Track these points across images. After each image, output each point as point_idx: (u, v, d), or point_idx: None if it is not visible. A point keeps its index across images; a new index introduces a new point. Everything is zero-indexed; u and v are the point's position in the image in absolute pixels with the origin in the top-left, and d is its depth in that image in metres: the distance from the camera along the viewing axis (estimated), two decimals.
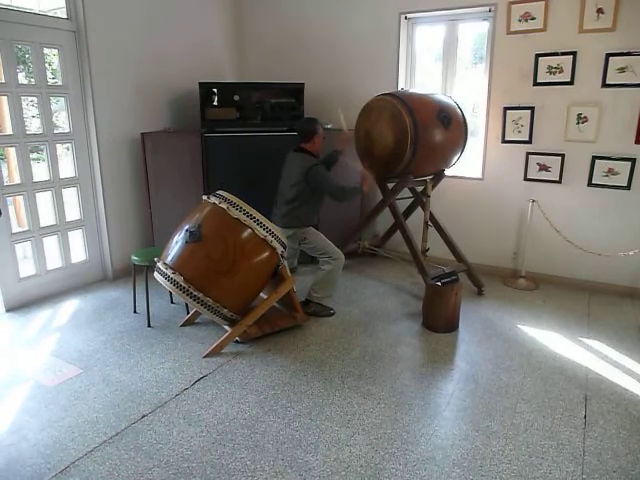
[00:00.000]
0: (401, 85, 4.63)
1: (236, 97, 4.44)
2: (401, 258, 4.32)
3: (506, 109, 4.15)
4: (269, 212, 3.58)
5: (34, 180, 3.79)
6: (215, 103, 4.45)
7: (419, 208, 4.18)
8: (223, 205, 2.99)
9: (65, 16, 3.83)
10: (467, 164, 4.45)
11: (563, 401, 2.60)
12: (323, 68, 4.93)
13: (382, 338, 3.27)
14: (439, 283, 3.33)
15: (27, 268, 3.89)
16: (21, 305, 3.76)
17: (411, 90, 4.16)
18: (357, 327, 3.43)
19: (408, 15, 4.49)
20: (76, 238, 4.17)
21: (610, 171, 3.88)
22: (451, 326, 3.37)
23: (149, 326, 3.41)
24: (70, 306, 3.79)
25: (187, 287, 2.85)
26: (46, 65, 3.79)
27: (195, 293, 2.86)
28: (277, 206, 3.60)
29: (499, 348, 3.15)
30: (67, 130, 3.98)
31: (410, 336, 3.31)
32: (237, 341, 3.15)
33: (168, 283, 2.91)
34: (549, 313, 3.67)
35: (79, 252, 4.20)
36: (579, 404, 2.58)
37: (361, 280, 4.35)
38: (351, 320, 3.54)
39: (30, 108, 5.05)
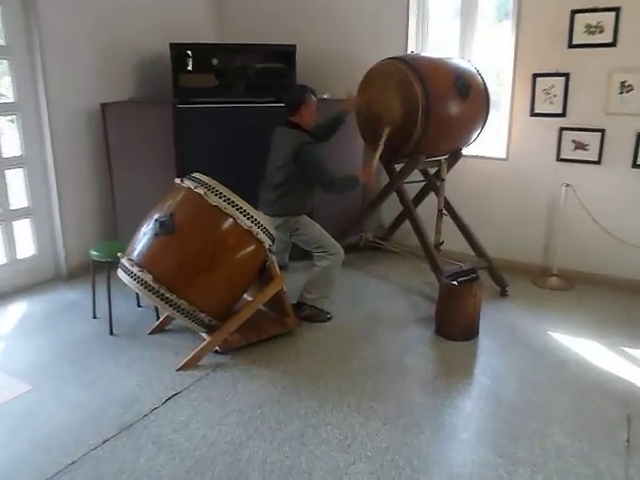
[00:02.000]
0: (411, 48, 4.61)
1: (215, 61, 4.39)
2: (410, 253, 4.32)
3: (535, 76, 4.14)
4: (255, 198, 3.56)
5: None
6: (190, 68, 4.40)
7: (432, 194, 4.19)
8: (200, 190, 2.97)
9: None
10: (489, 142, 4.45)
11: (602, 422, 2.61)
12: (318, 28, 4.89)
13: (388, 347, 3.27)
14: (455, 282, 3.33)
15: None
16: None
17: (423, 54, 4.16)
18: (358, 334, 3.43)
19: None
20: (23, 229, 4.14)
21: None
22: (469, 333, 3.38)
23: (112, 334, 3.40)
24: (16, 310, 3.76)
25: (157, 287, 2.84)
26: None
27: (167, 294, 2.85)
28: (264, 191, 3.59)
29: (526, 359, 3.15)
30: (11, 100, 3.94)
31: (421, 345, 3.31)
32: (217, 351, 3.14)
33: (134, 283, 2.90)
34: (585, 318, 3.68)
35: (27, 245, 4.17)
36: (621, 426, 2.58)
37: (363, 278, 4.34)
38: (351, 326, 3.54)
39: None
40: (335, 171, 3.41)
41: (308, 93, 3.49)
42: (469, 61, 4.05)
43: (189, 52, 4.40)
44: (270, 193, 3.51)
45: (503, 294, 4.04)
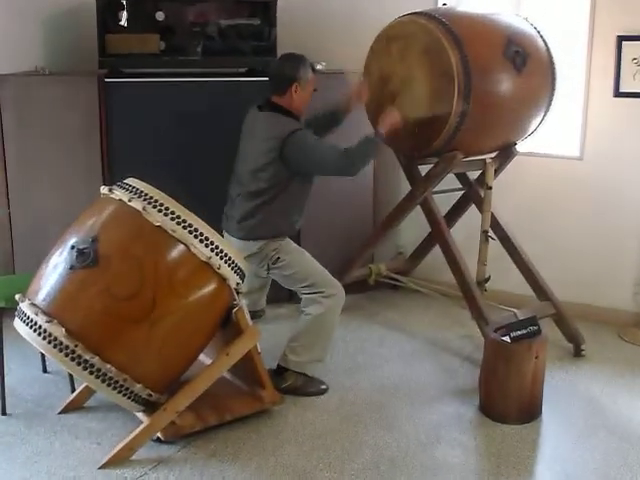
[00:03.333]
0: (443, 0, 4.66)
1: (160, 15, 4.42)
2: (442, 293, 4.32)
3: (622, 39, 4.19)
4: (217, 216, 3.57)
5: None
6: (123, 24, 4.45)
7: (473, 208, 4.20)
8: (136, 204, 2.96)
9: None
10: (555, 133, 4.47)
11: None
12: None
13: (409, 432, 3.25)
14: (508, 338, 3.32)
15: None
16: None
17: (460, 8, 4.20)
18: (366, 413, 3.41)
19: None
20: None
21: None
22: (529, 412, 3.37)
23: (4, 414, 3.36)
24: None
25: (71, 346, 2.81)
26: None
27: (85, 356, 2.82)
28: (231, 204, 3.61)
29: (612, 450, 3.14)
30: None
31: (458, 430, 3.29)
32: (159, 439, 3.11)
33: (39, 338, 2.87)
34: None
35: None
36: None
37: (374, 330, 4.33)
38: (356, 401, 3.52)
39: None
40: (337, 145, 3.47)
41: (305, 66, 3.53)
42: (526, 18, 4.09)
43: (123, 2, 4.44)
44: (240, 206, 3.52)
45: (577, 354, 4.04)
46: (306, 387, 3.55)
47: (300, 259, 3.54)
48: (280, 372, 3.54)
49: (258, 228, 3.48)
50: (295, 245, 3.59)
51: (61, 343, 2.82)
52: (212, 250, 3.00)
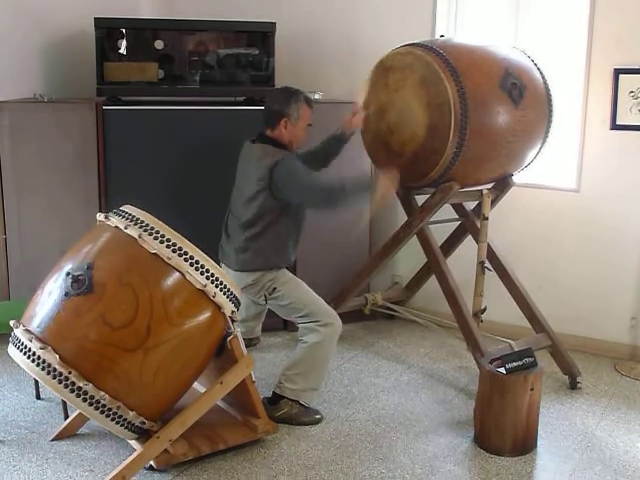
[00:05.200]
0: (441, 31, 4.70)
1: (159, 44, 4.47)
2: (438, 324, 4.31)
3: (618, 72, 4.22)
4: (214, 247, 3.59)
5: None
6: (122, 52, 4.48)
7: (469, 239, 4.21)
8: (132, 231, 2.97)
9: None
10: (551, 165, 4.50)
11: None
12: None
13: (404, 464, 3.24)
14: (503, 370, 3.32)
15: None
16: None
17: (457, 39, 4.23)
18: (362, 444, 3.40)
19: None
20: None
21: None
22: (524, 445, 3.35)
23: None
24: None
25: (65, 373, 2.81)
26: None
27: (79, 384, 2.81)
28: (227, 235, 3.63)
29: None
30: None
31: (453, 462, 3.28)
32: (152, 467, 3.10)
33: (33, 365, 2.86)
34: None
35: None
36: None
37: (370, 360, 4.33)
38: (351, 432, 3.51)
39: None
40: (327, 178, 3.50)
41: (297, 101, 3.54)
42: (523, 51, 4.12)
43: (123, 30, 4.47)
44: (236, 237, 3.54)
45: (573, 386, 4.02)
46: (301, 417, 3.54)
47: (296, 289, 3.54)
48: (275, 400, 3.53)
49: (252, 260, 3.50)
50: (291, 275, 3.60)
51: (55, 370, 2.81)
52: (207, 278, 3.00)
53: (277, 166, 3.40)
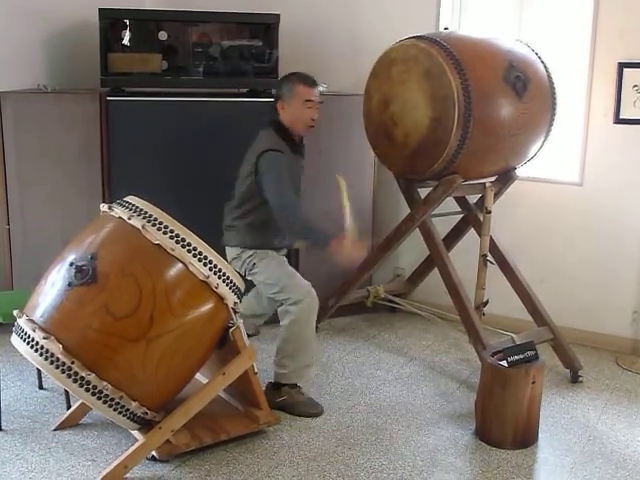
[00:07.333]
0: (445, 24, 4.70)
1: (162, 35, 4.47)
2: (440, 316, 4.32)
3: (623, 66, 4.22)
4: (217, 235, 3.61)
5: None
6: (126, 43, 4.48)
7: (472, 232, 4.22)
8: (136, 222, 2.97)
9: None
10: (554, 159, 4.50)
11: None
12: None
13: (406, 456, 3.25)
14: (505, 362, 3.33)
15: None
16: None
17: (461, 32, 4.23)
18: (363, 436, 3.41)
19: None
20: None
21: None
22: (525, 438, 3.36)
23: (0, 429, 3.39)
24: None
25: (68, 363, 2.81)
26: None
27: (82, 373, 2.81)
28: (224, 213, 3.74)
29: (608, 477, 3.12)
30: None
31: (454, 454, 3.28)
32: (154, 458, 3.11)
33: (36, 355, 2.87)
34: None
35: None
36: None
37: (371, 353, 4.34)
38: (353, 424, 3.52)
39: None
40: (302, 207, 3.51)
41: (288, 82, 3.62)
42: (527, 44, 4.12)
43: (126, 21, 4.48)
44: (227, 216, 3.69)
45: (575, 380, 4.03)
46: (302, 407, 3.56)
47: (274, 267, 3.60)
48: (275, 387, 3.58)
49: (233, 237, 3.64)
50: (275, 255, 3.65)
51: (57, 360, 2.82)
52: (210, 269, 3.01)
53: (262, 156, 3.49)
